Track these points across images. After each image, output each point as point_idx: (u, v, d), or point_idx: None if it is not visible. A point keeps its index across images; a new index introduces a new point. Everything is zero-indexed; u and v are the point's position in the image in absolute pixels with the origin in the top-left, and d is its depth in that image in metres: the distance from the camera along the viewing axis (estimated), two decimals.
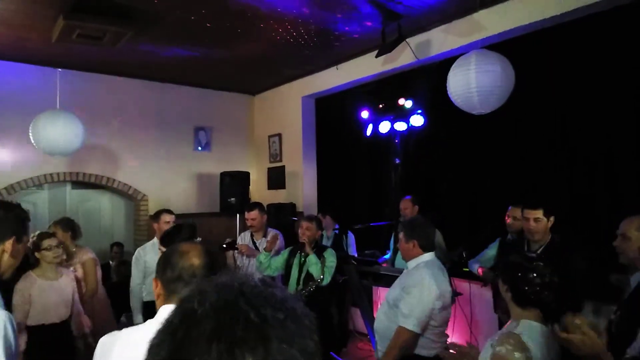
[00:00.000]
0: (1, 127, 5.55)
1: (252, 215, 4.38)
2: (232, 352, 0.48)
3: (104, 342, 1.38)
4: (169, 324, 0.55)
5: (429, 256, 2.87)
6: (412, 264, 2.87)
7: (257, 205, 4.52)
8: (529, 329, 1.92)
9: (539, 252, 3.13)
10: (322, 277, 3.80)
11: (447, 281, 2.84)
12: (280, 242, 4.42)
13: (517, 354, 1.82)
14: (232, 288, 0.55)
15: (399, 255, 3.59)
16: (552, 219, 3.15)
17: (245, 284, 0.55)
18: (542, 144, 4.54)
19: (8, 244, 1.68)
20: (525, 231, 3.23)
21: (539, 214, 3.12)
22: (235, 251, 4.35)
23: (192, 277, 1.39)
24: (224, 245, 4.25)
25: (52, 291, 3.37)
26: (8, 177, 5.61)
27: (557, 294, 1.96)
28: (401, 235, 2.93)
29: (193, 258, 1.42)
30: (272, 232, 4.50)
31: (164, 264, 1.46)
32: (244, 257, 4.40)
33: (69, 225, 4.07)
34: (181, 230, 3.07)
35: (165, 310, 1.35)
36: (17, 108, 5.52)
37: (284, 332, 0.51)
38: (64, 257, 3.66)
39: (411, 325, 2.64)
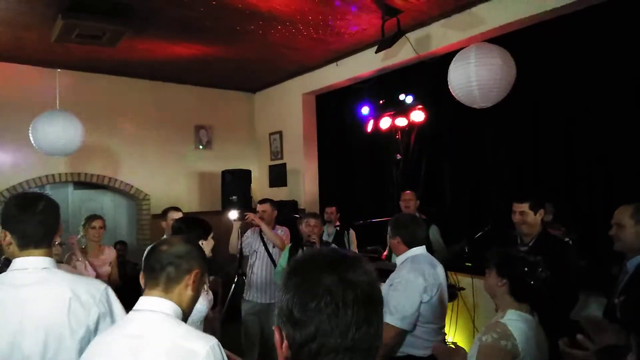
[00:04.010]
0: (1, 128, 5.55)
1: (264, 207, 4.47)
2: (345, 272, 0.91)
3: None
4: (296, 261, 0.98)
5: (417, 250, 2.80)
6: (399, 259, 2.85)
7: (269, 200, 4.64)
8: (516, 318, 1.97)
9: (530, 244, 3.10)
10: None
11: (438, 275, 2.76)
12: (287, 238, 4.49)
13: (503, 342, 1.87)
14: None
15: None
16: (541, 211, 3.13)
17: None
18: (543, 137, 4.52)
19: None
20: (514, 224, 3.22)
21: (525, 207, 3.09)
22: (242, 223, 4.52)
23: (158, 267, 1.50)
24: (234, 218, 4.51)
25: None
26: (9, 178, 5.61)
27: (550, 289, 2.00)
28: (389, 231, 2.95)
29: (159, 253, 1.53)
30: (280, 229, 4.55)
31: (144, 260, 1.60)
32: (250, 233, 4.60)
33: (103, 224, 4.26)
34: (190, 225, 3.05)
35: (143, 301, 1.47)
36: (16, 109, 5.52)
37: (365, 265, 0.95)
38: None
39: (396, 321, 2.56)
